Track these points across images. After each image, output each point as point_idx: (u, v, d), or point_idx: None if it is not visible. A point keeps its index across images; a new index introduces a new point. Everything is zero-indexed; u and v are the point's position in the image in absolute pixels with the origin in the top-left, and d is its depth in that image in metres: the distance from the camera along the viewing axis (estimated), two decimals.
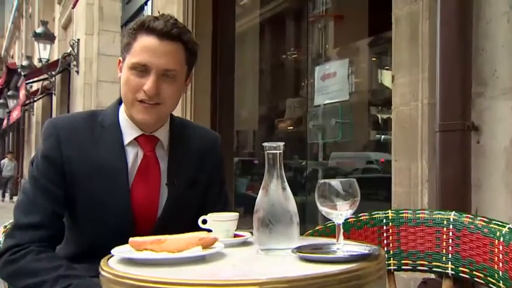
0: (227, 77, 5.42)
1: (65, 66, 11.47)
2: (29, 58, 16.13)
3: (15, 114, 19.35)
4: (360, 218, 1.75)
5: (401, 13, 2.63)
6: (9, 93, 20.14)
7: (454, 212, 1.65)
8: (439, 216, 1.67)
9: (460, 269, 1.59)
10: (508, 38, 2.19)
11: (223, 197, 1.82)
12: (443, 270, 1.63)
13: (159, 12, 1.67)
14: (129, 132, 1.63)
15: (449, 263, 1.61)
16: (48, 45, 12.18)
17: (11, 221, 1.59)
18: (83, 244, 1.62)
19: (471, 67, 2.27)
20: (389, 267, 1.70)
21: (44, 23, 12.55)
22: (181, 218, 1.64)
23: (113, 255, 1.27)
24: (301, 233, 1.44)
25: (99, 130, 1.62)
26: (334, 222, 1.27)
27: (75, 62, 10.67)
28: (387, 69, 7.14)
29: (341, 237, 1.25)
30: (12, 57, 29.49)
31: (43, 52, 12.04)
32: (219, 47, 5.31)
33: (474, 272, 1.56)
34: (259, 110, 10.46)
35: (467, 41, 2.28)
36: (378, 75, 8.19)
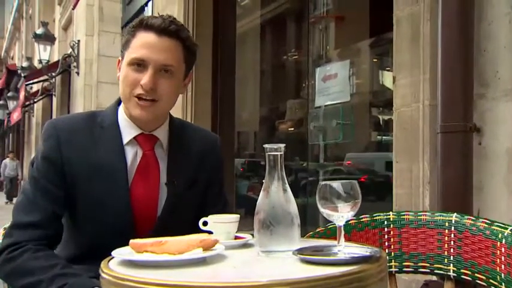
0: (228, 78, 5.42)
1: (65, 68, 11.47)
2: (29, 59, 16.12)
3: (16, 116, 19.34)
4: (361, 220, 1.75)
5: (403, 14, 2.62)
6: (9, 94, 20.13)
7: (455, 214, 1.64)
8: (441, 218, 1.66)
9: (462, 271, 1.58)
10: (510, 39, 2.18)
11: (222, 197, 1.84)
12: (445, 273, 1.62)
13: (158, 13, 1.69)
14: (128, 132, 1.64)
15: (451, 265, 1.61)
16: (48, 47, 12.17)
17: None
18: (83, 245, 1.62)
19: (473, 68, 2.27)
20: (391, 269, 1.69)
21: (44, 24, 12.54)
22: (180, 218, 1.65)
23: (113, 257, 1.27)
24: (302, 235, 1.43)
25: (98, 130, 1.63)
26: (335, 224, 1.27)
27: (75, 63, 10.66)
28: (388, 70, 7.15)
29: (342, 239, 1.25)
30: (12, 58, 29.55)
31: (43, 53, 12.03)
32: (220, 48, 5.30)
33: (476, 274, 1.55)
34: (260, 111, 10.47)
35: (468, 42, 2.27)
36: (379, 76, 8.19)
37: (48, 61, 12.18)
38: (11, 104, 20.16)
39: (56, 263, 1.47)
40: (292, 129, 9.11)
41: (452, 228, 1.62)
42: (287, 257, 1.24)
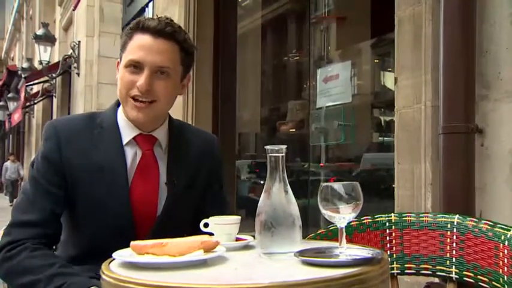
0: (229, 79, 5.41)
1: (65, 68, 11.46)
2: (30, 60, 16.10)
3: (17, 117, 19.32)
4: (363, 222, 1.74)
5: (404, 14, 2.61)
6: (10, 95, 20.13)
7: (457, 216, 1.63)
8: (443, 219, 1.65)
9: (464, 273, 1.58)
10: None
11: (222, 198, 1.85)
12: (447, 274, 1.61)
13: (157, 15, 1.70)
14: (127, 132, 1.66)
15: (453, 267, 1.60)
16: (48, 47, 12.16)
17: None
18: (83, 245, 1.63)
19: (475, 69, 2.26)
20: (393, 271, 1.69)
21: (44, 25, 12.53)
22: (180, 218, 1.66)
23: (114, 259, 1.26)
24: (304, 237, 1.43)
25: (98, 131, 1.64)
26: (336, 226, 1.27)
27: (75, 64, 10.65)
28: (390, 71, 7.14)
29: (344, 240, 1.25)
30: (13, 59, 29.54)
31: (43, 54, 12.03)
32: (221, 48, 5.30)
33: (478, 276, 1.54)
34: (261, 112, 10.48)
35: (471, 42, 2.26)
36: (380, 77, 8.19)
37: (49, 62, 12.17)
38: (12, 105, 20.16)
39: (54, 262, 1.48)
40: (294, 130, 9.11)
41: (455, 229, 1.61)
42: (288, 258, 1.24)
